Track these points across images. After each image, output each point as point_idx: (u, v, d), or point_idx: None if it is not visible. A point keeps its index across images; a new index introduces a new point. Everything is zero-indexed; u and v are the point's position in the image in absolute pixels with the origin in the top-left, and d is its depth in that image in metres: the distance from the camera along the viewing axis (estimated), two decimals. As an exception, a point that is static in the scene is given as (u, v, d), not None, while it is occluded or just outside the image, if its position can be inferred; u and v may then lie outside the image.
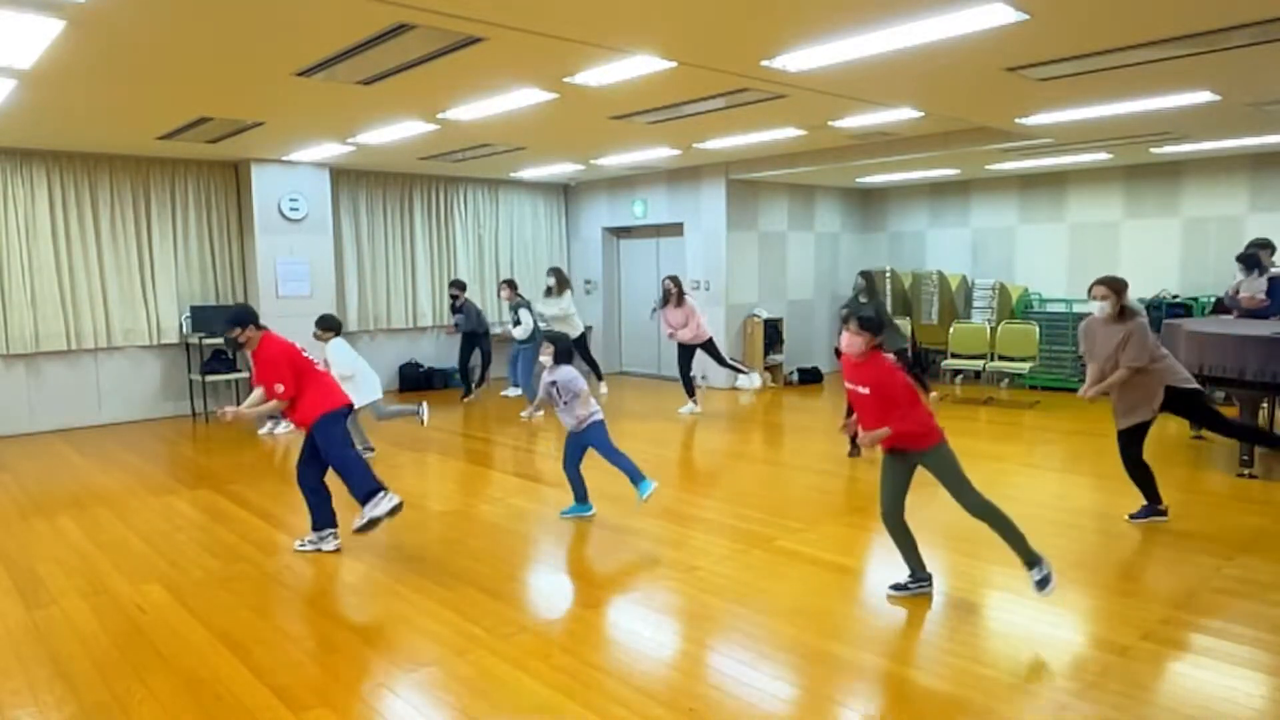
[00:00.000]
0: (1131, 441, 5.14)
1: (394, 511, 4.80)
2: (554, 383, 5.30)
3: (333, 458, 4.87)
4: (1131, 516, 5.26)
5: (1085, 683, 3.23)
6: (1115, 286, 4.98)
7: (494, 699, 3.18)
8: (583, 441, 5.37)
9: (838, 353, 7.19)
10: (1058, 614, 3.89)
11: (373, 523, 4.79)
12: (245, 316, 4.86)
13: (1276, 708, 3.06)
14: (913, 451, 3.99)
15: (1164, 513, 5.23)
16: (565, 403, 5.29)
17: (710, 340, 9.09)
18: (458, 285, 10.29)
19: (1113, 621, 3.79)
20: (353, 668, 3.50)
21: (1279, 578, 4.25)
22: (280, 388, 4.73)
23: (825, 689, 3.25)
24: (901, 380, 3.93)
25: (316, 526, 4.99)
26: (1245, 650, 3.48)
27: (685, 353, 9.14)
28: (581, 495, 5.46)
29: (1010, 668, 3.37)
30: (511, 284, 9.52)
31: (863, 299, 8.98)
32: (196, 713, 3.12)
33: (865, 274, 8.93)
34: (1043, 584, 3.92)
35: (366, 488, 4.85)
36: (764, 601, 4.06)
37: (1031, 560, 3.96)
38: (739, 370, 9.31)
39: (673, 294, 8.95)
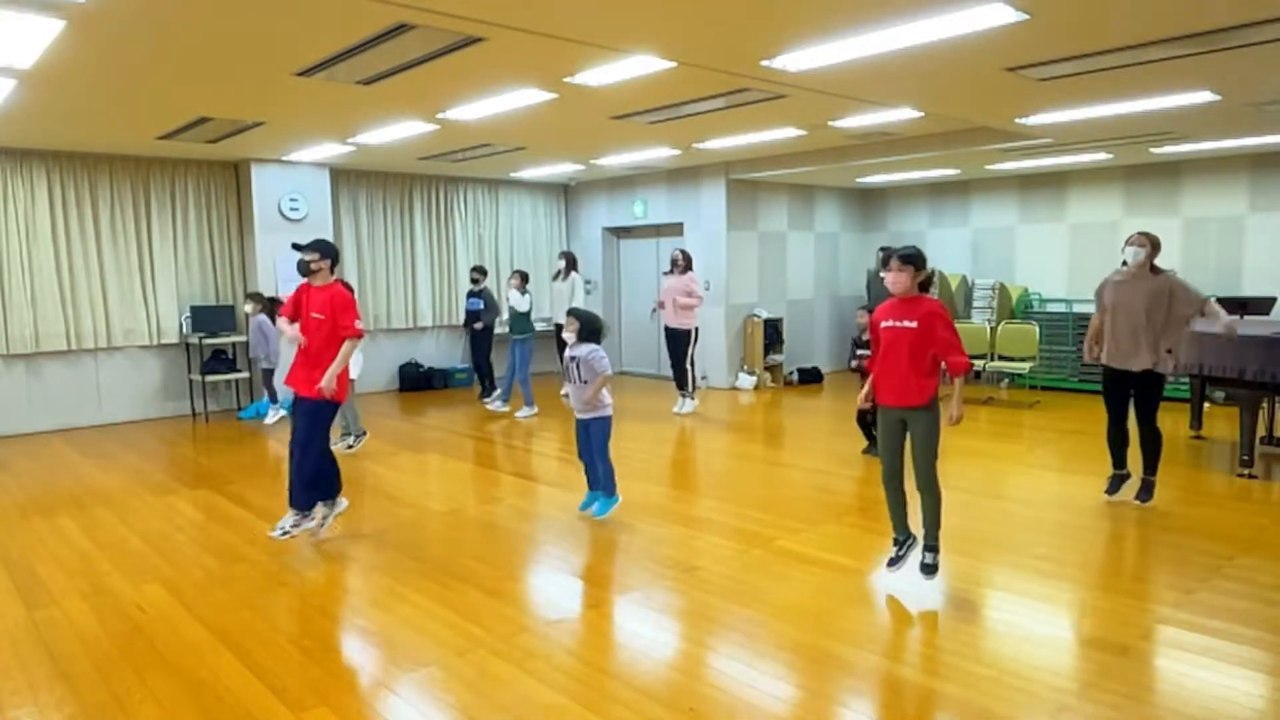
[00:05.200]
0: (1157, 398, 5.32)
1: (314, 530, 5.03)
2: (575, 358, 5.16)
3: (313, 442, 4.85)
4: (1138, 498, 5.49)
5: (1085, 683, 3.24)
6: (1154, 239, 5.23)
7: (494, 699, 3.18)
8: (588, 430, 5.27)
9: (862, 338, 7.18)
10: (1058, 614, 3.89)
11: (287, 534, 4.95)
12: (334, 251, 4.90)
13: (1276, 708, 3.06)
14: (907, 408, 4.07)
15: (1128, 475, 5.60)
16: (584, 381, 5.14)
17: (690, 335, 8.96)
18: (480, 270, 10.17)
19: (1112, 621, 3.79)
20: (353, 668, 3.50)
21: (1279, 578, 4.25)
22: (360, 324, 4.78)
23: (825, 689, 3.25)
24: (949, 320, 4.01)
25: (324, 498, 5.07)
26: (1245, 650, 3.48)
27: (675, 346, 9.07)
28: (595, 482, 5.41)
29: (1010, 668, 3.37)
30: (524, 275, 9.34)
31: (883, 274, 8.96)
32: (196, 713, 3.12)
33: (887, 249, 8.89)
34: (927, 569, 4.16)
35: (330, 492, 4.97)
36: (764, 601, 4.07)
37: (934, 546, 4.17)
38: (687, 388, 9.08)
39: (678, 265, 8.95)
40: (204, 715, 3.11)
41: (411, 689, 3.28)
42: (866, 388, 4.46)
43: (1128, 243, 5.29)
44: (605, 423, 5.27)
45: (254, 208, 9.49)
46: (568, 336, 5.21)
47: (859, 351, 7.00)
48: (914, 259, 4.02)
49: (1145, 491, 5.44)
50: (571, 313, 5.24)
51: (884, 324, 4.13)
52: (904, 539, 4.33)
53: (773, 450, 7.52)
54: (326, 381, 4.69)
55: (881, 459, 4.29)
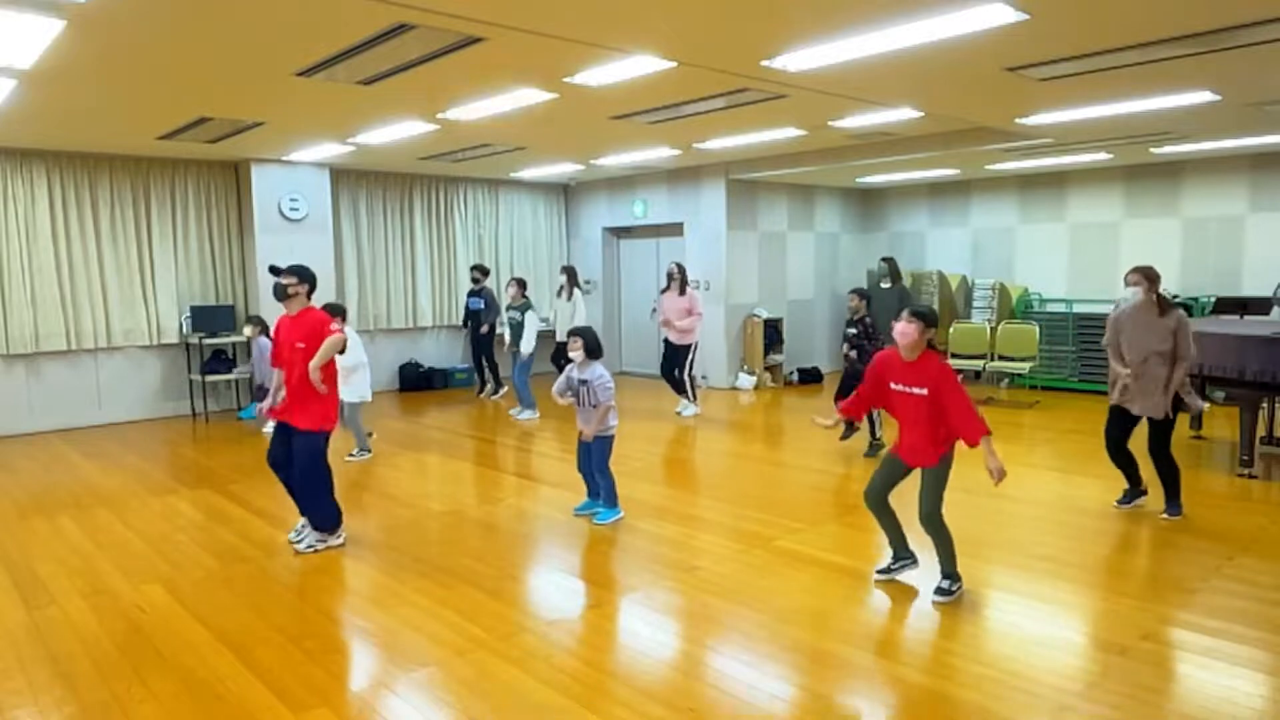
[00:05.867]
0: (1167, 432, 5.23)
1: (335, 548, 4.96)
2: (585, 381, 5.19)
3: (312, 474, 4.83)
4: (1119, 503, 5.53)
5: (1085, 683, 3.24)
6: (1150, 274, 5.14)
7: (494, 699, 3.18)
8: (589, 448, 5.36)
9: (857, 347, 7.20)
10: (1058, 614, 3.89)
11: (314, 550, 4.89)
12: (312, 277, 4.86)
13: (1276, 708, 3.06)
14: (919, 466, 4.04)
15: (1145, 491, 5.57)
16: (592, 405, 5.20)
17: (689, 349, 8.93)
18: (480, 270, 10.18)
19: (1113, 621, 3.79)
20: (353, 668, 3.50)
21: (1279, 578, 4.25)
22: (336, 325, 4.75)
23: (825, 689, 3.24)
24: (958, 385, 3.92)
25: (324, 526, 5.02)
26: (1245, 650, 3.48)
27: (671, 354, 9.04)
28: (595, 492, 5.49)
29: (1010, 668, 3.37)
30: (521, 283, 9.32)
31: (885, 284, 8.93)
32: (196, 713, 3.12)
33: (888, 259, 8.84)
34: (941, 593, 4.04)
35: (333, 519, 4.93)
36: (764, 601, 4.07)
37: (952, 574, 4.09)
38: (688, 394, 9.02)
39: (675, 281, 8.85)
40: (204, 715, 3.11)
41: (411, 689, 3.28)
42: (836, 417, 4.39)
43: (1127, 283, 5.21)
44: (607, 442, 5.35)
45: (254, 208, 9.48)
46: (574, 356, 5.24)
47: (849, 330, 7.06)
48: (925, 316, 3.92)
49: (1173, 508, 5.29)
50: (574, 333, 5.26)
51: (894, 386, 4.03)
52: (904, 555, 4.31)
53: (773, 450, 7.52)
54: (312, 371, 4.66)
55: (870, 481, 4.26)
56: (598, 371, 5.19)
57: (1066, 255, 10.67)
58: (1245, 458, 6.18)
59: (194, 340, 9.28)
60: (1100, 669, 3.34)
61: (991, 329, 10.00)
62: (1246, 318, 8.06)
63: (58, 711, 3.15)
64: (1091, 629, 3.74)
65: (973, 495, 5.80)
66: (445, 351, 11.64)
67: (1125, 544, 4.87)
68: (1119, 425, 5.40)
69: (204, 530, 5.34)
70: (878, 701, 3.16)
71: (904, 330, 3.92)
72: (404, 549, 4.90)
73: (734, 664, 3.44)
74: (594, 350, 5.22)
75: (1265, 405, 6.94)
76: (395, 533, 5.19)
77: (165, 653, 3.63)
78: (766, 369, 11.08)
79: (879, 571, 4.34)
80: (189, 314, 9.39)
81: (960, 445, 4.00)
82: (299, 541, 4.93)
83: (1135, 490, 5.51)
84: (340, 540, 4.98)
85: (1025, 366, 9.64)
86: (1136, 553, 4.76)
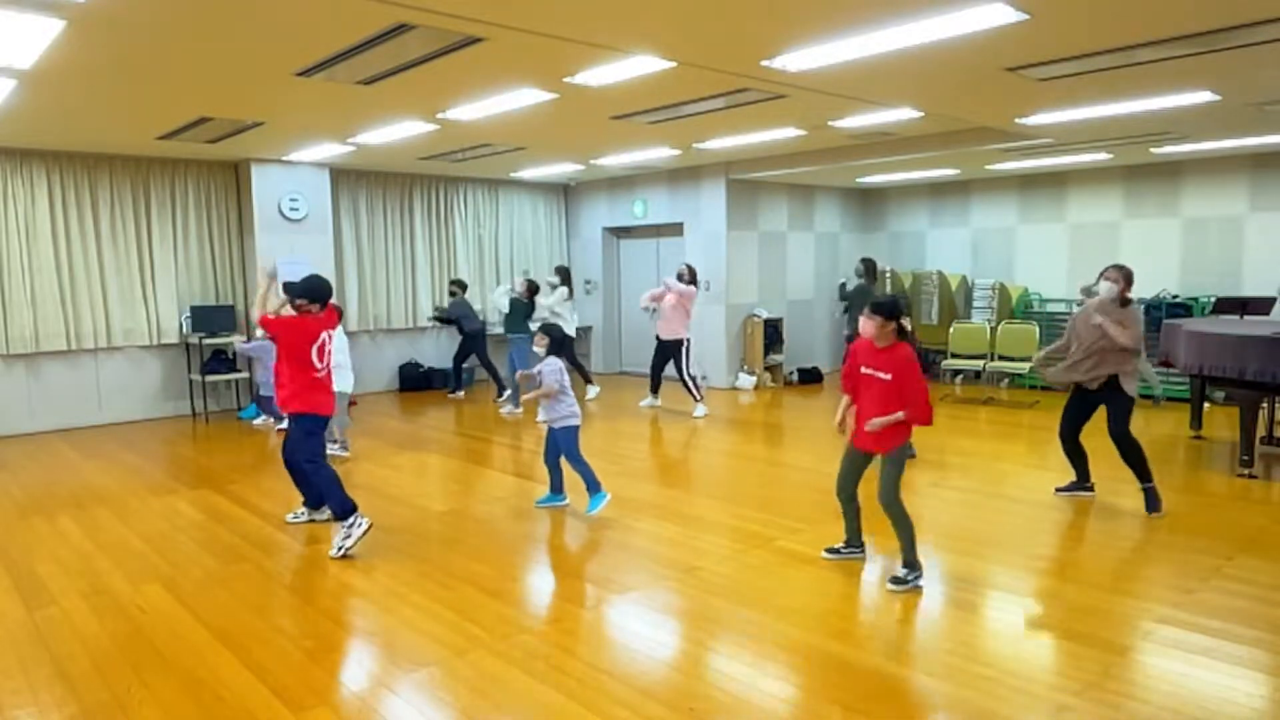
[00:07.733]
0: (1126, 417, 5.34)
1: (364, 535, 4.84)
2: (539, 372, 5.42)
3: (310, 464, 4.91)
4: (1058, 490, 5.83)
5: (1085, 683, 3.24)
6: (1127, 274, 5.30)
7: (494, 699, 3.18)
8: (554, 440, 5.51)
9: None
10: (1057, 614, 3.89)
11: (347, 553, 4.77)
12: (324, 293, 4.95)
13: (1276, 708, 3.06)
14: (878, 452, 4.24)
15: (1092, 489, 5.78)
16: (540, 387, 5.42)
17: (679, 345, 9.03)
18: (458, 284, 10.44)
19: (1113, 621, 3.79)
20: (353, 668, 3.50)
21: (1279, 578, 4.25)
22: (262, 332, 4.95)
23: (825, 689, 3.25)
24: (919, 375, 4.09)
25: (315, 505, 5.36)
26: (1245, 650, 3.48)
27: (662, 350, 9.21)
28: (557, 486, 5.66)
29: (1010, 668, 3.37)
30: (533, 286, 9.52)
31: (861, 282, 9.09)
32: (196, 713, 3.12)
33: (865, 260, 9.03)
34: (897, 581, 4.16)
35: (344, 504, 4.85)
36: (764, 601, 4.07)
37: (911, 562, 4.20)
38: (693, 394, 9.02)
39: (684, 277, 9.11)
40: (204, 715, 3.11)
41: (411, 689, 3.28)
42: (841, 413, 4.48)
43: (1105, 278, 5.32)
44: (570, 431, 5.46)
45: (254, 208, 9.48)
46: (538, 350, 5.49)
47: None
48: (883, 308, 4.10)
49: (1152, 500, 5.29)
50: (541, 328, 5.56)
51: (863, 370, 4.22)
52: (855, 545, 4.55)
53: (773, 450, 7.51)
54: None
55: (839, 476, 4.48)
56: (548, 363, 5.40)
57: (1066, 255, 10.67)
58: (1245, 458, 6.18)
59: (194, 340, 9.28)
60: (1100, 669, 3.34)
61: (991, 329, 10.00)
62: (1246, 318, 8.06)
63: (58, 711, 3.15)
64: (1091, 629, 3.73)
65: (973, 495, 5.81)
66: (445, 351, 11.62)
67: (1125, 543, 4.87)
68: (1074, 412, 5.61)
69: (204, 530, 5.35)
70: (878, 701, 3.16)
71: (865, 326, 4.16)
72: (404, 549, 4.90)
73: (734, 664, 3.45)
74: (555, 347, 5.48)
75: (1265, 405, 6.94)
76: (395, 533, 5.19)
77: (165, 653, 3.63)
78: (766, 369, 11.08)
79: (828, 550, 4.60)
80: (189, 314, 9.39)
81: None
82: (331, 548, 4.82)
83: (1080, 484, 5.74)
84: (364, 527, 4.80)
85: (1025, 366, 9.64)
86: (1136, 552, 4.75)
